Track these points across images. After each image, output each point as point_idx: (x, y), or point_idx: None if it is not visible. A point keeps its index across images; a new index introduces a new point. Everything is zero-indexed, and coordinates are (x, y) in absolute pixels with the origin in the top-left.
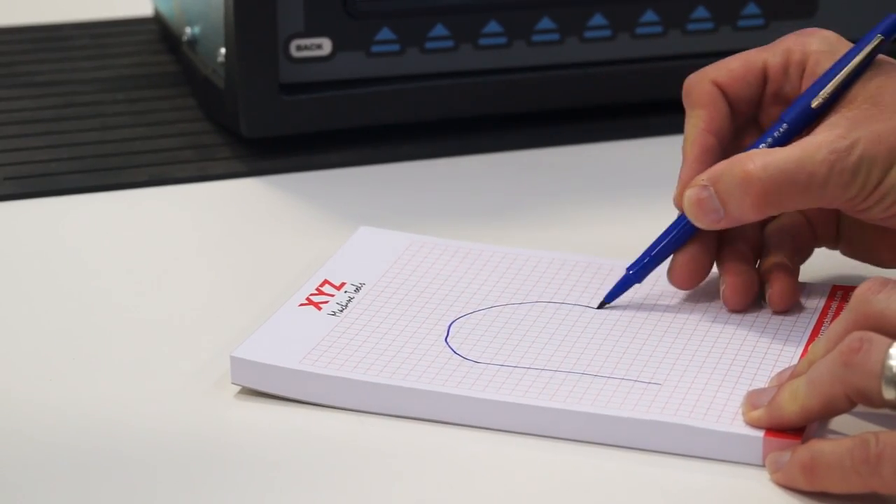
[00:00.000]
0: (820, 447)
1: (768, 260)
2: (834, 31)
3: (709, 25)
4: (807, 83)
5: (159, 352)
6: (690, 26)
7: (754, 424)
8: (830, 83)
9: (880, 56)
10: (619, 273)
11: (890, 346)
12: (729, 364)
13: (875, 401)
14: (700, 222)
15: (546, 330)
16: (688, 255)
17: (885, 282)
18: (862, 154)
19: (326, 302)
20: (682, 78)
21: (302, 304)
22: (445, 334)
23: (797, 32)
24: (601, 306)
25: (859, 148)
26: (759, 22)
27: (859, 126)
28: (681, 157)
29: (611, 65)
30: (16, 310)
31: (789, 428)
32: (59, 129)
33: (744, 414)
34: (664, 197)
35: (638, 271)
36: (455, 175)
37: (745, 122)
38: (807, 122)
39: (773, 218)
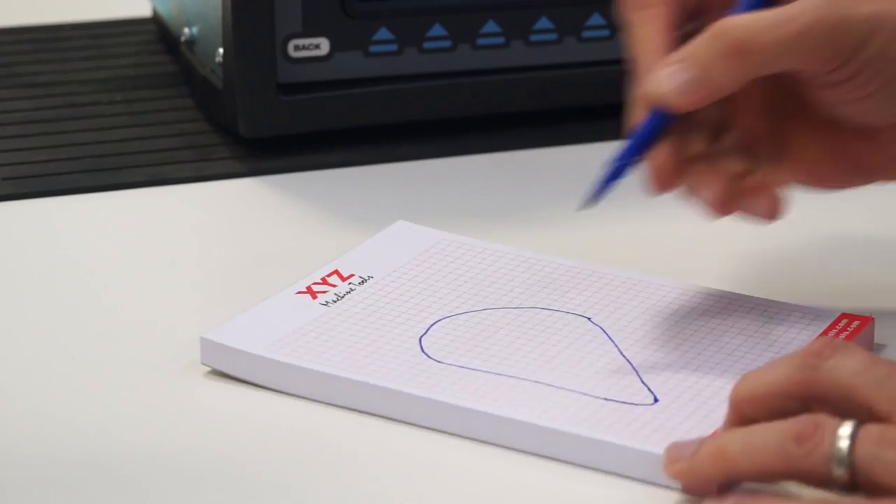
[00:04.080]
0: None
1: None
2: None
3: None
4: None
5: (158, 351)
6: None
7: (674, 478)
8: None
9: None
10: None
11: (839, 426)
12: (704, 382)
13: (824, 481)
14: (674, 96)
15: (526, 337)
16: (663, 154)
17: (836, 346)
18: (842, 14)
19: (325, 292)
20: None
21: (299, 292)
22: (423, 332)
23: None
24: (590, 203)
25: (838, 8)
26: None
27: None
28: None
29: (609, 64)
30: (14, 310)
31: (708, 484)
32: (58, 130)
33: (664, 466)
34: (664, 197)
35: (624, 155)
36: (454, 175)
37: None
38: None
39: (721, 139)
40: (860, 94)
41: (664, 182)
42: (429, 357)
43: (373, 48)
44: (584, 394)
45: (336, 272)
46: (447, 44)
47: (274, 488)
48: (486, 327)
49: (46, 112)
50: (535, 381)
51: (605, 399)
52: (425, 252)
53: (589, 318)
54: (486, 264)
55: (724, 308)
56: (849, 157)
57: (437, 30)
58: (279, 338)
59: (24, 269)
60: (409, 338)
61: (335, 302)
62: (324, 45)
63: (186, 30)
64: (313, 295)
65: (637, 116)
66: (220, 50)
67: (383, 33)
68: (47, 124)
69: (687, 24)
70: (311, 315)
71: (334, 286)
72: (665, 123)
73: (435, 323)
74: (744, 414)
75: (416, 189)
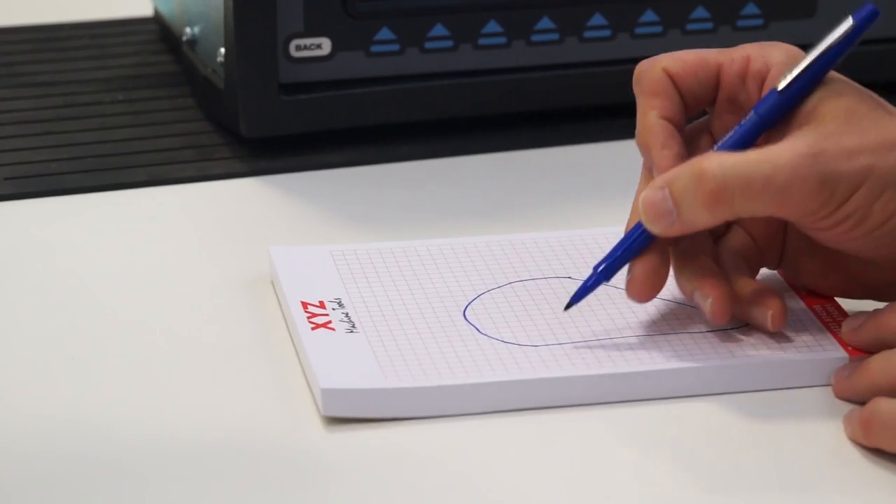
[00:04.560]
0: (879, 405)
1: (740, 283)
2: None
3: (708, 25)
4: (769, 88)
5: (158, 352)
6: (690, 26)
7: (835, 388)
8: (798, 66)
9: (847, 79)
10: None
11: None
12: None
13: None
14: (653, 226)
15: (557, 302)
16: (644, 267)
17: None
18: (829, 167)
19: (330, 321)
20: None
21: (314, 329)
22: (473, 327)
23: (758, 43)
24: (568, 308)
25: (826, 159)
26: (759, 22)
27: (828, 139)
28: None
29: (611, 65)
30: (15, 310)
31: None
32: (59, 129)
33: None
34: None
35: (606, 269)
36: (455, 175)
37: (697, 130)
38: (778, 114)
39: (724, 239)
40: (844, 238)
41: (640, 294)
42: (509, 343)
43: (374, 48)
44: (683, 332)
45: (306, 304)
46: (449, 44)
47: (276, 488)
48: (513, 303)
49: (47, 112)
50: (611, 337)
51: (704, 332)
52: (342, 265)
53: (569, 277)
54: (418, 260)
55: None
56: (848, 274)
57: (439, 30)
58: (379, 368)
59: (25, 269)
60: (469, 335)
61: (354, 328)
62: (325, 45)
63: (188, 29)
64: (328, 328)
65: (631, 220)
66: (222, 50)
67: (385, 33)
68: (48, 124)
69: (691, 116)
70: (361, 343)
71: (326, 314)
72: (650, 237)
73: (465, 313)
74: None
75: (416, 189)
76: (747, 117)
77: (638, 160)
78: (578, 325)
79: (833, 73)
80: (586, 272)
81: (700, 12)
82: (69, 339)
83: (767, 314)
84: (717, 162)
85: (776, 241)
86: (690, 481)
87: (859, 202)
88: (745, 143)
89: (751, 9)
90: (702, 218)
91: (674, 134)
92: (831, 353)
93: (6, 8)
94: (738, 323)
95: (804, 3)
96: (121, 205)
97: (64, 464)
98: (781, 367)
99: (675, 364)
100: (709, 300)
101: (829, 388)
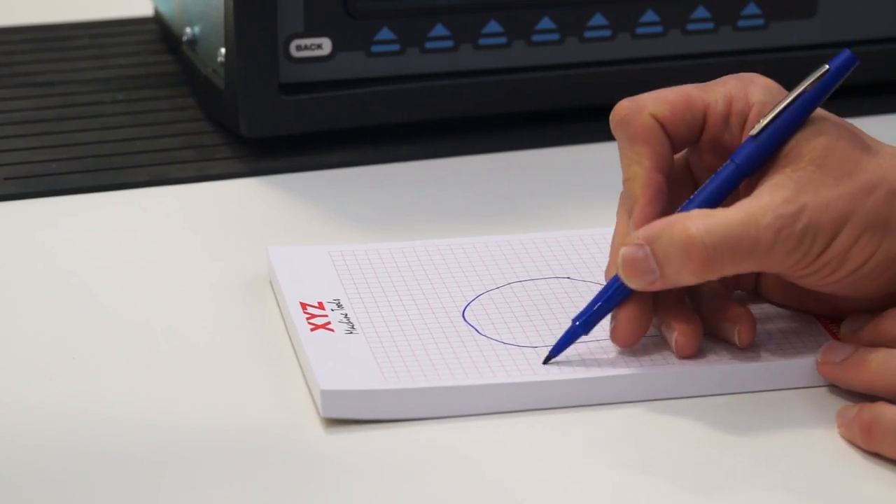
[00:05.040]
0: (881, 411)
1: (714, 305)
2: (834, 31)
3: (709, 25)
4: (747, 134)
5: (159, 352)
6: (690, 26)
7: (825, 377)
8: (771, 112)
9: (827, 116)
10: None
11: None
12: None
13: None
14: (633, 283)
15: (554, 304)
16: (627, 313)
17: None
18: (809, 221)
19: (329, 322)
20: (682, 78)
21: (314, 330)
22: (472, 328)
23: (737, 77)
24: (547, 361)
25: (806, 215)
26: (759, 22)
27: (805, 190)
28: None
29: (611, 65)
30: (15, 310)
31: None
32: (59, 129)
33: (818, 363)
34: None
35: (584, 322)
36: (455, 175)
37: (677, 168)
38: (756, 161)
39: None
40: (823, 283)
41: (625, 340)
42: (509, 344)
43: (375, 48)
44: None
45: (305, 304)
46: (449, 44)
47: (274, 487)
48: (512, 303)
49: (48, 112)
50: (610, 339)
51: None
52: (341, 266)
53: (568, 277)
54: (413, 260)
55: None
56: (829, 304)
57: (440, 30)
58: (380, 371)
59: (25, 270)
60: (468, 336)
61: (354, 328)
62: (326, 45)
63: (188, 29)
64: (327, 329)
65: (610, 268)
66: (222, 50)
67: (385, 33)
68: (48, 124)
69: (677, 153)
70: (360, 344)
71: (325, 315)
72: (629, 291)
73: (464, 314)
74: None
75: (416, 189)
76: (725, 165)
77: None
78: None
79: (818, 111)
80: (585, 272)
81: (700, 12)
82: (69, 339)
83: (734, 330)
84: (703, 227)
85: (751, 275)
86: (689, 482)
87: (837, 249)
88: (724, 192)
89: (751, 9)
90: (686, 280)
91: (662, 189)
92: None
93: (6, 8)
94: None
95: (804, 3)
96: (121, 205)
97: (63, 463)
98: (779, 368)
99: (672, 366)
100: (674, 334)
101: (828, 389)
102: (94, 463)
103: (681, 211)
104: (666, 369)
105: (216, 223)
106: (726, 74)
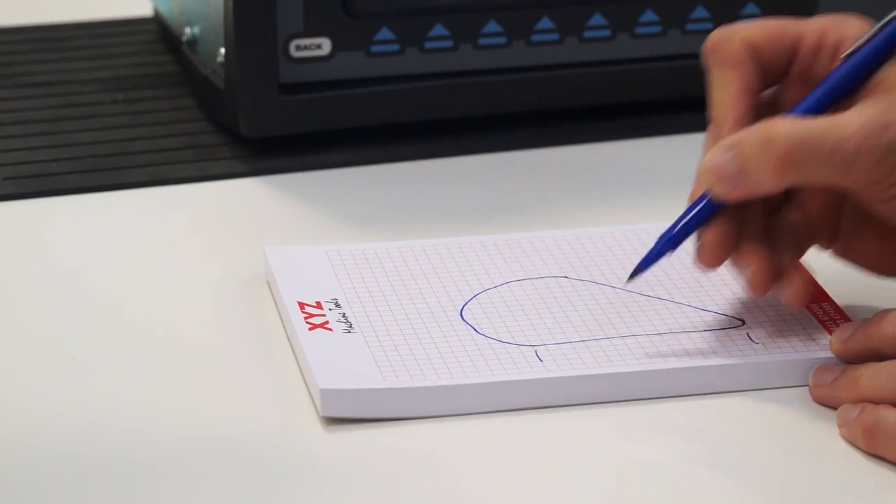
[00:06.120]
0: (884, 415)
1: (783, 259)
2: None
3: (708, 25)
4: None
5: (158, 352)
6: (690, 26)
7: (816, 400)
8: (865, 34)
9: None
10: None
11: None
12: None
13: None
14: (717, 187)
15: (558, 302)
16: (712, 236)
17: None
18: (895, 137)
19: (327, 322)
20: (682, 78)
21: (312, 329)
22: (470, 327)
23: (831, 16)
24: (631, 278)
25: (893, 130)
26: None
27: (894, 110)
28: (701, 145)
29: (610, 65)
30: (15, 310)
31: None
32: (58, 129)
33: (810, 388)
34: (664, 196)
35: (671, 239)
36: (455, 175)
37: (764, 103)
38: (847, 85)
39: (777, 214)
40: None
41: (710, 261)
42: (507, 343)
43: (374, 48)
44: (683, 331)
45: (303, 304)
46: (449, 44)
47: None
48: (510, 302)
49: (47, 112)
50: (608, 337)
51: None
52: (339, 265)
53: (566, 277)
54: (412, 260)
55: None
56: None
57: (439, 30)
58: (376, 369)
59: (25, 269)
60: (466, 335)
61: (352, 328)
62: (325, 45)
63: (188, 29)
64: (325, 328)
65: (696, 190)
66: (222, 50)
67: (385, 33)
68: (48, 124)
69: (767, 88)
70: (359, 343)
71: (323, 315)
72: (716, 206)
73: (462, 313)
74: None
75: (416, 189)
76: (817, 87)
77: (637, 161)
78: (576, 324)
79: None
80: (583, 272)
81: (700, 12)
82: (69, 339)
83: (786, 292)
84: (786, 127)
85: (831, 217)
86: (689, 481)
87: None
88: (813, 112)
89: (751, 8)
90: (767, 182)
91: (748, 113)
92: (829, 352)
93: (6, 8)
94: (735, 323)
95: (804, 2)
96: (121, 205)
97: (63, 463)
98: (779, 367)
99: (673, 364)
100: (749, 269)
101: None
102: (93, 462)
103: None
104: (666, 368)
105: (216, 223)
106: None
